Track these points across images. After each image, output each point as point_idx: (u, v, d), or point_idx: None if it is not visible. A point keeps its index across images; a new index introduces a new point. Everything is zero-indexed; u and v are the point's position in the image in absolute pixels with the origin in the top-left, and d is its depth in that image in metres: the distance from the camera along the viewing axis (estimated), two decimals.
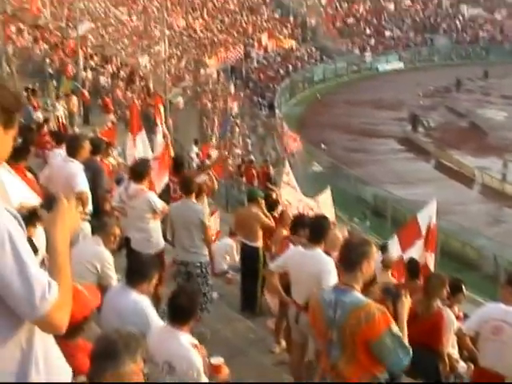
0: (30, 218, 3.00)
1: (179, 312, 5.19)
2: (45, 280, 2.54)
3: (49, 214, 2.85)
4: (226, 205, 23.00)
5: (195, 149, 26.44)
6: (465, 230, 25.59)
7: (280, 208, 11.40)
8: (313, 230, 7.04)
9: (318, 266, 6.64)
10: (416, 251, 11.01)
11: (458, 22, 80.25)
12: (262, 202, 10.42)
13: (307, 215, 10.66)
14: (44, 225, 2.94)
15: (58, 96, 26.79)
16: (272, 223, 10.24)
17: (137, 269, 5.74)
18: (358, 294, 4.56)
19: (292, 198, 13.41)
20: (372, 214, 27.09)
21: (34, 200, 3.57)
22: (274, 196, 11.73)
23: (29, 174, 7.12)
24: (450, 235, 23.78)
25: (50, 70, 33.08)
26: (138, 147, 14.65)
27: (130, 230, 8.83)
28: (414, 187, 31.16)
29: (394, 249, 11.38)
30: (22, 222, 2.63)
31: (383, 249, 10.96)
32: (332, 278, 6.33)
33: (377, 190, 29.87)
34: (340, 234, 8.98)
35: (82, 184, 7.70)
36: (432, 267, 11.38)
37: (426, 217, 11.43)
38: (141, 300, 5.56)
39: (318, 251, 6.81)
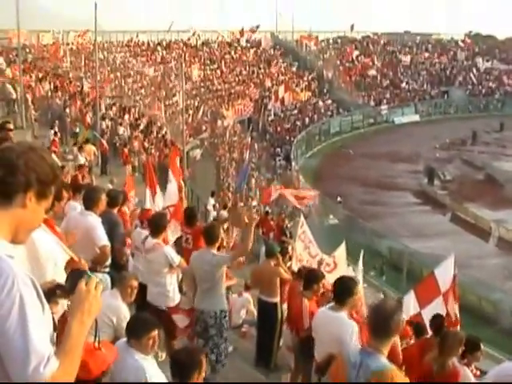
0: (49, 295, 3.02)
1: (179, 368, 5.24)
2: (46, 353, 2.50)
3: (70, 299, 2.86)
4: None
5: (212, 201, 26.47)
6: (481, 284, 25.37)
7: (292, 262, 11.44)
8: (338, 291, 6.87)
9: (341, 328, 6.57)
10: (435, 309, 10.78)
11: (473, 75, 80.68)
12: (280, 256, 10.49)
13: (319, 270, 10.69)
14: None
15: (77, 144, 26.68)
16: (290, 277, 10.30)
17: (133, 328, 5.75)
18: (383, 360, 4.54)
19: (306, 253, 13.40)
20: (388, 267, 26.98)
21: (62, 255, 3.60)
22: (289, 249, 11.77)
23: (57, 228, 7.14)
24: (467, 289, 23.59)
25: (69, 119, 33.35)
26: (156, 202, 14.71)
27: (147, 284, 8.84)
28: (430, 240, 31.04)
29: (411, 305, 11.31)
30: (42, 293, 2.62)
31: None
32: (353, 341, 6.33)
33: (392, 242, 29.79)
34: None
35: (103, 237, 7.72)
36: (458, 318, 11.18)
37: (444, 272, 11.29)
38: (141, 364, 5.49)
39: (343, 314, 6.68)
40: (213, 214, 24.65)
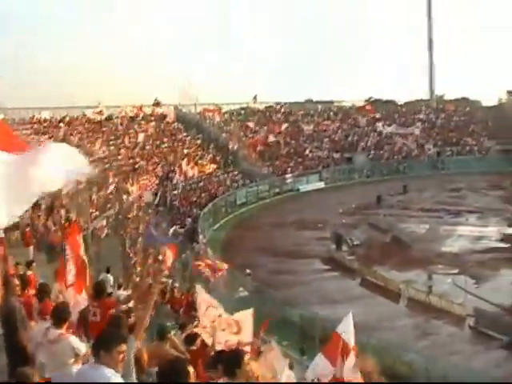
0: None
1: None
2: None
3: None
4: (150, 335, 22.33)
5: (110, 277, 25.59)
6: (394, 346, 25.48)
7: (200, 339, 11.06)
8: (227, 363, 6.82)
9: None
10: (349, 366, 10.73)
11: (374, 140, 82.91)
12: (173, 337, 10.08)
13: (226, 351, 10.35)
14: None
15: None
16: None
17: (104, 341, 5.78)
18: None
19: (212, 315, 13.04)
20: (300, 335, 26.77)
21: None
22: (196, 329, 11.39)
23: None
24: (380, 352, 23.61)
25: None
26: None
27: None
28: (341, 306, 30.92)
29: (320, 367, 11.16)
30: None
31: None
32: None
33: (303, 311, 29.65)
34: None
35: None
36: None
37: (347, 330, 11.25)
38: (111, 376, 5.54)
39: None
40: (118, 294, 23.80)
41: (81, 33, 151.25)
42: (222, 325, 12.68)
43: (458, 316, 29.97)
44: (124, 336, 5.89)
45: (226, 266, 30.95)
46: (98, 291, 11.09)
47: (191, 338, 10.74)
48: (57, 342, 8.29)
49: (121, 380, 5.61)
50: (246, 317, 13.29)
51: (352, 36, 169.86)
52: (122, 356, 5.63)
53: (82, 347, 8.31)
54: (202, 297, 13.75)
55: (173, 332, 11.07)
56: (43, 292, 10.80)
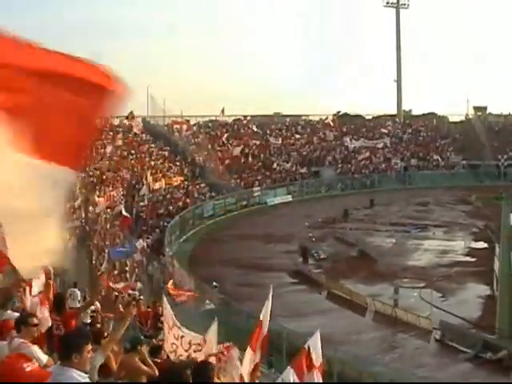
0: None
1: None
2: None
3: None
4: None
5: (77, 292, 25.10)
6: (360, 359, 25.52)
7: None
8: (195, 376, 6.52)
9: None
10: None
11: (342, 154, 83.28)
12: (144, 348, 9.89)
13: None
14: None
15: None
16: (153, 371, 9.67)
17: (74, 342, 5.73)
18: None
19: (172, 335, 12.97)
20: (268, 349, 26.63)
21: None
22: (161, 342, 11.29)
23: None
24: (346, 365, 23.64)
25: None
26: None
27: None
28: (307, 319, 31.02)
29: (290, 380, 11.15)
30: None
31: None
32: None
33: (270, 324, 29.50)
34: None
35: None
36: None
37: (315, 347, 11.25)
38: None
39: None
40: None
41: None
42: (184, 345, 12.65)
43: (425, 329, 30.09)
44: (89, 334, 5.80)
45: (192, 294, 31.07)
46: (59, 305, 10.91)
47: (156, 350, 10.60)
48: (18, 350, 8.12)
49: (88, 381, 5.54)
50: (211, 333, 13.26)
51: (322, 50, 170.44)
52: (90, 355, 5.59)
53: (44, 358, 8.14)
54: (168, 312, 13.70)
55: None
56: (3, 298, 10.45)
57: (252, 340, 11.57)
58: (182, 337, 12.94)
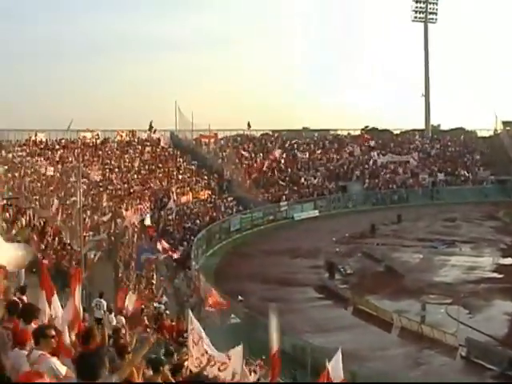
0: None
1: None
2: None
3: None
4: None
5: (103, 303, 25.29)
6: (385, 375, 25.41)
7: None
8: None
9: None
10: None
11: (369, 169, 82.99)
12: (166, 368, 9.91)
13: (203, 374, 10.26)
14: None
15: None
16: None
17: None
18: None
19: (196, 350, 12.99)
20: (292, 364, 26.60)
21: None
22: (184, 357, 11.29)
23: None
24: (371, 381, 23.57)
25: None
26: (53, 305, 13.92)
27: None
28: (332, 335, 31.01)
29: None
30: None
31: None
32: None
33: (295, 339, 29.51)
34: None
35: None
36: None
37: (336, 365, 11.31)
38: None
39: None
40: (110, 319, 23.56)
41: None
42: (211, 361, 12.68)
43: (451, 346, 29.92)
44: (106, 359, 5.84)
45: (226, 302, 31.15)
46: (87, 338, 10.70)
47: (178, 369, 10.62)
48: (37, 363, 8.19)
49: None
50: (237, 353, 13.31)
51: (348, 66, 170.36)
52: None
53: (63, 370, 8.21)
54: (194, 326, 13.71)
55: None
56: (29, 313, 10.28)
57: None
58: (207, 352, 12.97)
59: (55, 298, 14.26)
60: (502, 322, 33.98)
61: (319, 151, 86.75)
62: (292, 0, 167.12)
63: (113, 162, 65.40)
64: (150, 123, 76.78)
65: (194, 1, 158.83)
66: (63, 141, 67.53)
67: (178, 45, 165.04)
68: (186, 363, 11.93)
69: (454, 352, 29.52)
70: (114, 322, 22.42)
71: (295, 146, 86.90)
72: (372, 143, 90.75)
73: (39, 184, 51.09)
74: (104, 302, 25.12)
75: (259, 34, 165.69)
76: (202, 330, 13.63)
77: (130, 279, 35.25)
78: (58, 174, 55.18)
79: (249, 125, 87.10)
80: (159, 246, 38.70)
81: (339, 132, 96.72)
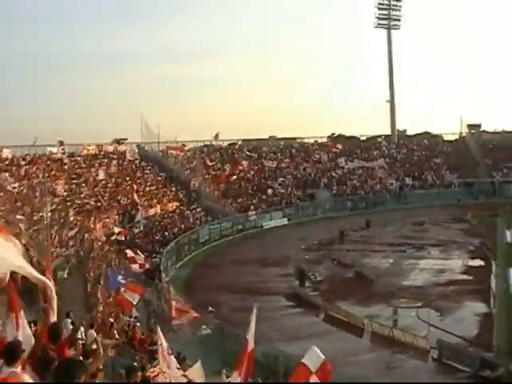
0: None
1: None
2: None
3: None
4: (112, 374, 21.87)
5: (68, 322, 24.93)
6: (358, 381, 25.42)
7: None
8: None
9: None
10: None
11: (337, 176, 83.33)
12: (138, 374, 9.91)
13: None
14: None
15: None
16: None
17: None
18: None
19: (165, 365, 12.93)
20: (264, 372, 26.50)
21: None
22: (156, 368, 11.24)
23: None
24: None
25: None
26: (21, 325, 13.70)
27: None
28: (304, 342, 30.80)
29: None
30: None
31: None
32: None
33: (267, 348, 29.39)
34: None
35: None
36: None
37: (311, 357, 11.14)
38: None
39: None
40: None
41: None
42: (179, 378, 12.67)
43: (422, 349, 29.99)
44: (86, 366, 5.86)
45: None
46: (55, 335, 10.75)
47: (147, 381, 10.57)
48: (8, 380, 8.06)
49: None
50: (194, 372, 13.28)
51: (316, 74, 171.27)
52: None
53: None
54: (162, 342, 13.64)
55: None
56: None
57: (238, 362, 11.54)
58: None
59: (22, 315, 14.07)
60: (472, 323, 34.16)
61: (286, 160, 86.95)
62: (254, 13, 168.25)
63: (79, 177, 64.98)
64: (118, 139, 76.63)
65: (159, 15, 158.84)
66: (28, 156, 67.02)
67: (142, 58, 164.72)
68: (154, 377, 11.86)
69: (425, 355, 29.56)
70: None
71: (263, 154, 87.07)
72: (339, 147, 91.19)
73: (3, 201, 50.58)
74: (68, 321, 24.80)
75: (226, 46, 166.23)
76: (169, 349, 13.61)
77: (101, 294, 34.89)
78: (25, 190, 54.68)
79: (216, 136, 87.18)
80: (134, 266, 38.21)
81: (306, 140, 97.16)
